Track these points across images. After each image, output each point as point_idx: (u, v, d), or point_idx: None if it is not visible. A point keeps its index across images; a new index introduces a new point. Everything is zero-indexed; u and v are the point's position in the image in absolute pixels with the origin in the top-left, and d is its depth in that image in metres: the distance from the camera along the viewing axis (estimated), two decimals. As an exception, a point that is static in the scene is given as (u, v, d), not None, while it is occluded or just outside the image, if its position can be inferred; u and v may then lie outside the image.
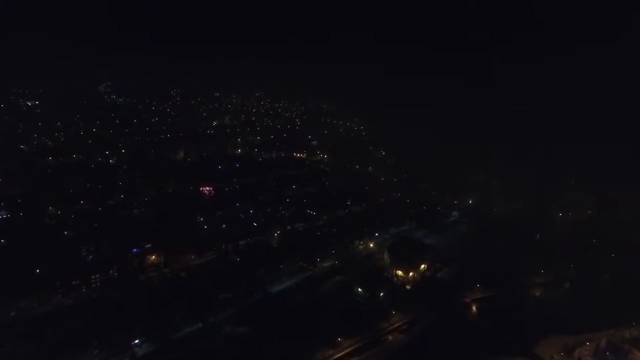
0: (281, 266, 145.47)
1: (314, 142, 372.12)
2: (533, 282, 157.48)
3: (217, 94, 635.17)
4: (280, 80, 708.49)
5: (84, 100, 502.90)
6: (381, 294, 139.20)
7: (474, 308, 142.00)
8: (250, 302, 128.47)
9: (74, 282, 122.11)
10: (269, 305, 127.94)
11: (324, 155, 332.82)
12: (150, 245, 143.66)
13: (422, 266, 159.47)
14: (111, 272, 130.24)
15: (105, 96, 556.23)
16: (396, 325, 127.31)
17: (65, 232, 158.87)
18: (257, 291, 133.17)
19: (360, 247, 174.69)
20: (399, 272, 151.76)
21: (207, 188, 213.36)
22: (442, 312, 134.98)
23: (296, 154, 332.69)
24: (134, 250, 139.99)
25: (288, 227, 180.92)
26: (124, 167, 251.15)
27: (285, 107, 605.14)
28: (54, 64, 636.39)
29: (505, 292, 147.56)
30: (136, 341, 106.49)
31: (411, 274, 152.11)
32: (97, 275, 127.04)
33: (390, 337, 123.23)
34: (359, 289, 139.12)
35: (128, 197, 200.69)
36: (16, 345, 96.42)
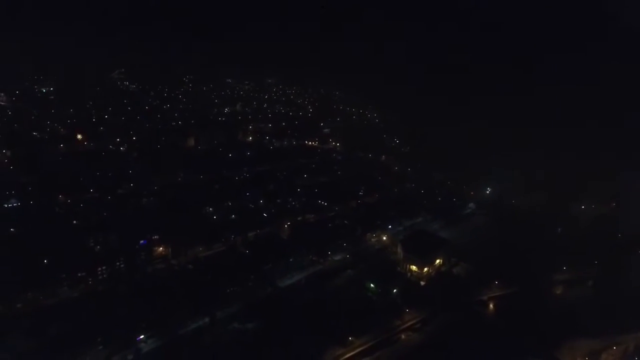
0: (290, 260, 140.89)
1: (326, 130, 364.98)
2: (555, 279, 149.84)
3: (229, 80, 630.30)
4: (293, 67, 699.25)
5: (97, 86, 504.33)
6: (394, 290, 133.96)
7: (492, 306, 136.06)
8: (259, 297, 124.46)
9: (80, 274, 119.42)
10: (277, 300, 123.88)
11: (336, 144, 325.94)
12: (158, 237, 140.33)
13: (438, 261, 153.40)
14: (118, 263, 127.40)
15: (119, 82, 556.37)
16: (410, 323, 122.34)
17: (75, 222, 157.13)
18: (265, 285, 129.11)
19: (372, 240, 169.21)
20: (413, 267, 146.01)
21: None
22: (458, 311, 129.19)
23: (308, 142, 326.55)
24: (141, 241, 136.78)
25: (298, 219, 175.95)
26: (134, 155, 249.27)
27: (297, 94, 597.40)
28: (70, 51, 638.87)
29: (526, 290, 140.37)
30: (141, 337, 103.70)
31: (426, 269, 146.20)
32: (104, 267, 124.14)
33: (403, 336, 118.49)
34: (371, 285, 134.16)
35: (137, 186, 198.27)
36: (19, 339, 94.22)
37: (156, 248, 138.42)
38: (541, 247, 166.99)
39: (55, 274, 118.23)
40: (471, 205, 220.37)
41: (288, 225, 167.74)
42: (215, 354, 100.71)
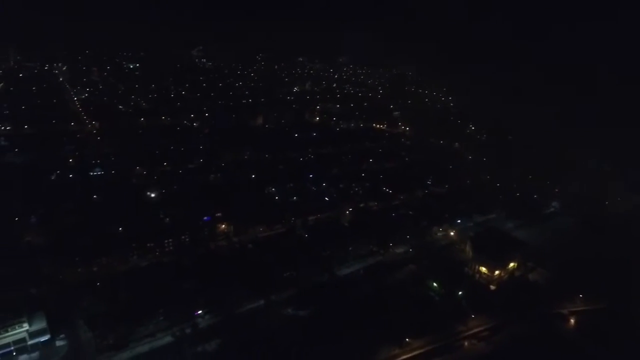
0: (350, 248, 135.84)
1: (396, 113, 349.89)
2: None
3: (301, 59, 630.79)
4: (365, 45, 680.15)
5: (177, 63, 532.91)
6: (459, 292, 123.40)
7: (572, 322, 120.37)
8: (315, 284, 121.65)
9: (149, 245, 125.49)
10: (333, 289, 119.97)
11: (405, 128, 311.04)
12: (221, 214, 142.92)
13: (511, 264, 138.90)
14: (183, 237, 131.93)
15: (197, 60, 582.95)
16: (474, 330, 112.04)
17: (148, 193, 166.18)
18: (322, 272, 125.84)
19: (438, 234, 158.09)
20: (483, 269, 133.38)
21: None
22: (531, 322, 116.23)
23: (376, 125, 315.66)
24: (205, 218, 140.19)
25: (361, 205, 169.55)
26: (206, 131, 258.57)
27: (368, 74, 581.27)
28: (156, 29, 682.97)
29: (614, 306, 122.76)
30: (199, 312, 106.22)
31: (497, 272, 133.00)
32: (170, 240, 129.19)
33: (466, 344, 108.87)
34: (434, 284, 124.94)
35: (206, 161, 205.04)
36: (91, 303, 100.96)
37: (219, 225, 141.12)
38: (637, 258, 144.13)
39: (128, 242, 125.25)
40: (555, 203, 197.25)
41: (349, 212, 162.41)
42: (267, 338, 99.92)
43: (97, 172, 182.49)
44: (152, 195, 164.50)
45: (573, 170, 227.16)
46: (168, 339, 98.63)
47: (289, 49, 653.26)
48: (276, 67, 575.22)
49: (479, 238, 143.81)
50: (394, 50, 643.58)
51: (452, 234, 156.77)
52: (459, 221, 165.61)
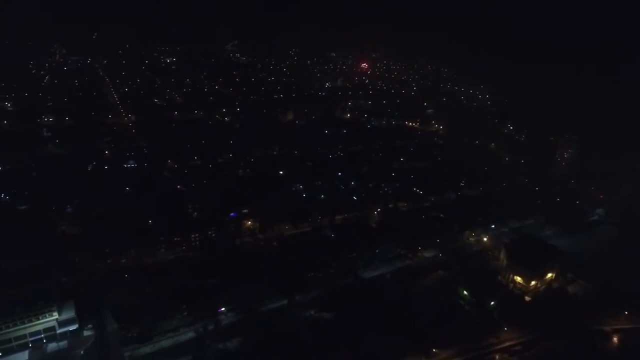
0: (377, 250, 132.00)
1: (430, 111, 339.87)
2: None
3: (334, 54, 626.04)
4: (400, 40, 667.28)
5: (212, 58, 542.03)
6: (492, 302, 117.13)
7: (614, 340, 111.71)
8: (339, 286, 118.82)
9: (176, 239, 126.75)
10: (358, 292, 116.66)
11: (439, 126, 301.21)
12: (247, 211, 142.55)
13: (549, 275, 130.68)
14: (210, 233, 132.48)
15: (231, 55, 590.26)
16: (507, 344, 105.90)
17: (178, 187, 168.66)
18: (347, 274, 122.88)
19: (471, 239, 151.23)
20: (518, 279, 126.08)
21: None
22: (570, 339, 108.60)
23: (408, 123, 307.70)
24: (232, 214, 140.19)
25: (390, 206, 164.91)
26: (237, 126, 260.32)
27: (401, 70, 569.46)
28: (194, 25, 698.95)
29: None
30: (223, 309, 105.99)
31: (533, 282, 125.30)
32: (197, 235, 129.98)
33: (497, 357, 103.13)
34: (465, 292, 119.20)
35: (236, 156, 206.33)
36: (119, 295, 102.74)
37: (245, 221, 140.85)
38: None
39: (156, 235, 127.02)
40: (599, 211, 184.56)
41: (378, 212, 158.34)
42: (288, 339, 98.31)
43: (130, 164, 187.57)
44: (182, 188, 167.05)
45: (620, 175, 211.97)
46: (191, 334, 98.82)
47: (322, 44, 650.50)
48: (309, 62, 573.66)
49: (514, 245, 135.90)
50: (430, 46, 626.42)
51: (485, 239, 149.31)
52: (492, 226, 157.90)
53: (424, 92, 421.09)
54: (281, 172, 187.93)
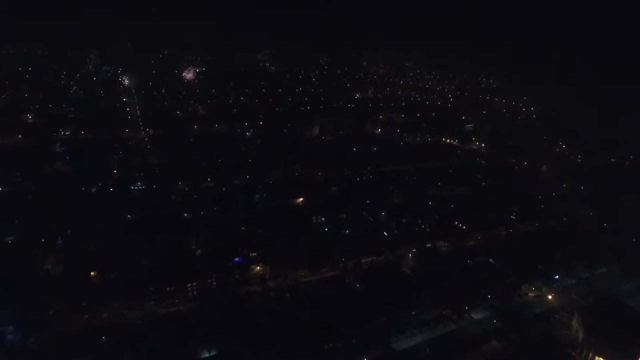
0: (413, 312, 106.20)
1: (469, 126, 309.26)
2: None
3: (365, 63, 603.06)
4: (434, 49, 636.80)
5: (241, 67, 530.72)
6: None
7: None
8: None
9: (168, 289, 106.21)
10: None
11: (480, 144, 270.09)
12: (256, 254, 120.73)
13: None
14: (210, 280, 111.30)
15: (261, 64, 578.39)
16: None
17: (184, 214, 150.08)
18: (375, 344, 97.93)
19: (530, 294, 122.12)
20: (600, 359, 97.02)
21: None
22: None
23: (445, 140, 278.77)
24: (237, 259, 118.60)
25: (427, 245, 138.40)
26: (258, 142, 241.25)
27: (437, 80, 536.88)
28: (225, 35, 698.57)
29: None
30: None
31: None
32: (194, 284, 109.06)
33: None
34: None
35: (253, 178, 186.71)
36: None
37: (254, 266, 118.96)
38: None
39: (146, 283, 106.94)
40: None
41: (413, 254, 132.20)
42: None
43: (137, 186, 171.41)
44: (188, 216, 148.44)
45: None
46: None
47: (353, 53, 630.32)
48: (339, 71, 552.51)
49: (592, 312, 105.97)
50: (467, 55, 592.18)
51: (550, 297, 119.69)
52: (556, 276, 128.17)
53: (462, 104, 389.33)
54: (301, 199, 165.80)
